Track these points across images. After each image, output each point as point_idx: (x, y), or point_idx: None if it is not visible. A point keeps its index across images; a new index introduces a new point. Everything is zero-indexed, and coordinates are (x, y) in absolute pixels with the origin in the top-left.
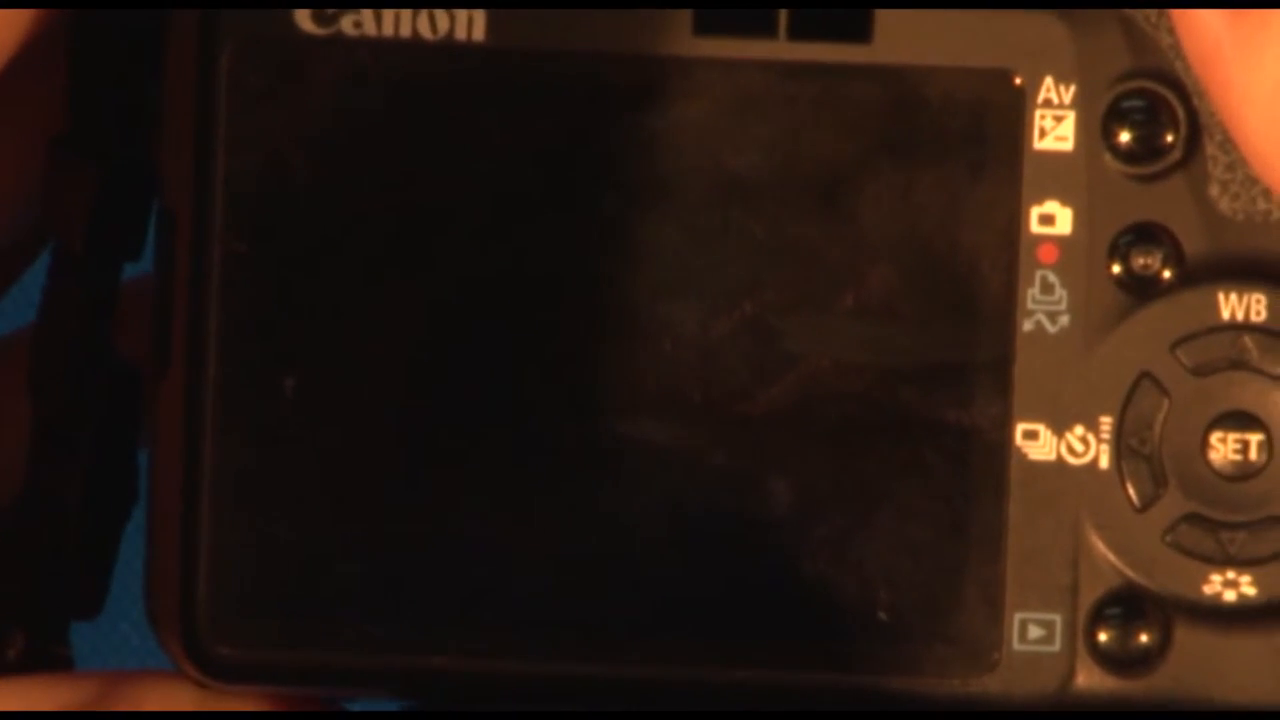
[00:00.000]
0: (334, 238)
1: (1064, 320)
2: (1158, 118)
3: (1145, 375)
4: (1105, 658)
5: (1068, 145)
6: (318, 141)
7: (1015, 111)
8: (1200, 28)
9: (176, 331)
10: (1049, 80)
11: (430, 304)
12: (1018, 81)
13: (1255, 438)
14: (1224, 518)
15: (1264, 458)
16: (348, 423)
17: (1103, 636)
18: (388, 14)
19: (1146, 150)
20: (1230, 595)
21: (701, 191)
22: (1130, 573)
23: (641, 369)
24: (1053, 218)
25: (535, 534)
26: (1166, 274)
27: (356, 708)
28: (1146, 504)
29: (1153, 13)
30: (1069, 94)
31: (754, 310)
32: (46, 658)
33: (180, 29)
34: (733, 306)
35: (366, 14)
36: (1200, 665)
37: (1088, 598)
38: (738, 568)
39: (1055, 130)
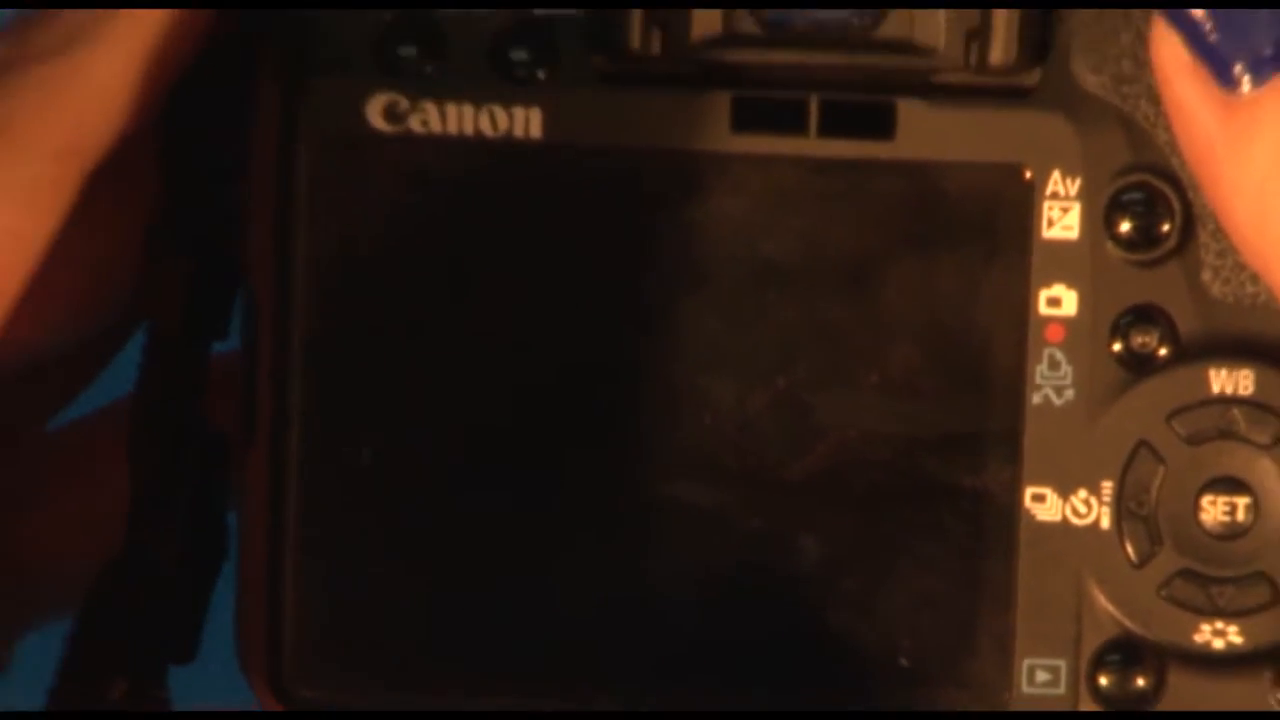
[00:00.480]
0: (403, 320)
1: (1069, 394)
2: (1155, 209)
3: (1143, 444)
4: (1105, 699)
5: (1073, 234)
6: (388, 230)
7: (1026, 203)
8: (1194, 125)
9: (261, 405)
10: (1056, 174)
11: (490, 379)
12: (1028, 175)
13: (1243, 500)
14: (1214, 573)
15: (1250, 519)
16: (416, 489)
17: (1103, 680)
18: (451, 112)
19: (1145, 238)
20: (1219, 643)
21: (739, 277)
22: (1128, 623)
23: (684, 439)
24: (1059, 300)
25: (586, 589)
26: (1163, 351)
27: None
28: (1143, 561)
29: (1151, 110)
30: (1075, 187)
31: (787, 386)
32: (146, 699)
33: (263, 126)
34: (768, 383)
35: (432, 112)
36: (1192, 706)
37: (1090, 645)
38: (771, 618)
39: (1062, 220)
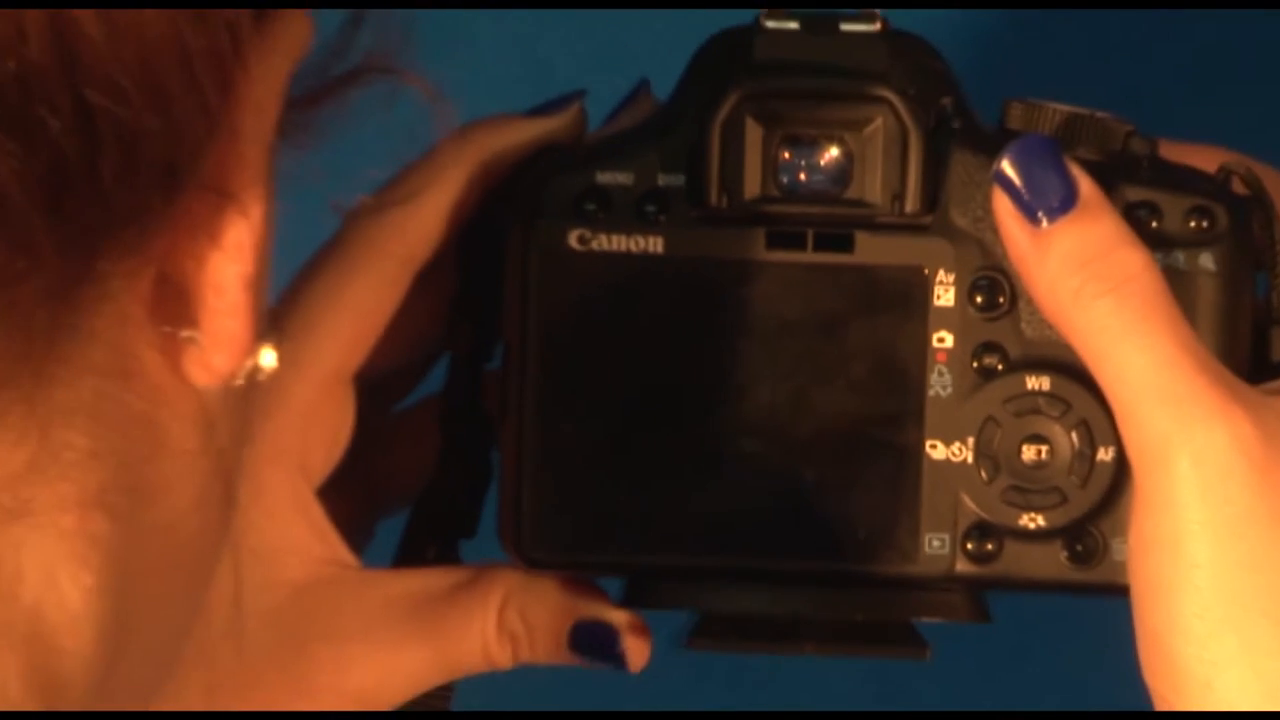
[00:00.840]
0: (588, 352)
1: (949, 390)
2: (995, 289)
3: (990, 418)
4: (969, 557)
5: (951, 303)
6: (579, 304)
7: (924, 287)
8: (1016, 245)
9: (509, 398)
10: (941, 272)
11: (644, 378)
12: (925, 272)
13: (1045, 447)
14: (1029, 487)
15: (1048, 457)
16: (607, 432)
17: (968, 546)
18: (614, 239)
19: (990, 305)
20: (1031, 525)
21: (771, 327)
22: (983, 514)
23: (751, 416)
24: (944, 339)
25: (709, 486)
26: (1000, 367)
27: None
28: (990, 480)
29: (992, 235)
30: (951, 278)
31: (796, 387)
32: (448, 559)
33: (512, 245)
34: (787, 384)
35: (603, 239)
36: (1017, 560)
37: (961, 526)
38: (793, 508)
39: (944, 295)
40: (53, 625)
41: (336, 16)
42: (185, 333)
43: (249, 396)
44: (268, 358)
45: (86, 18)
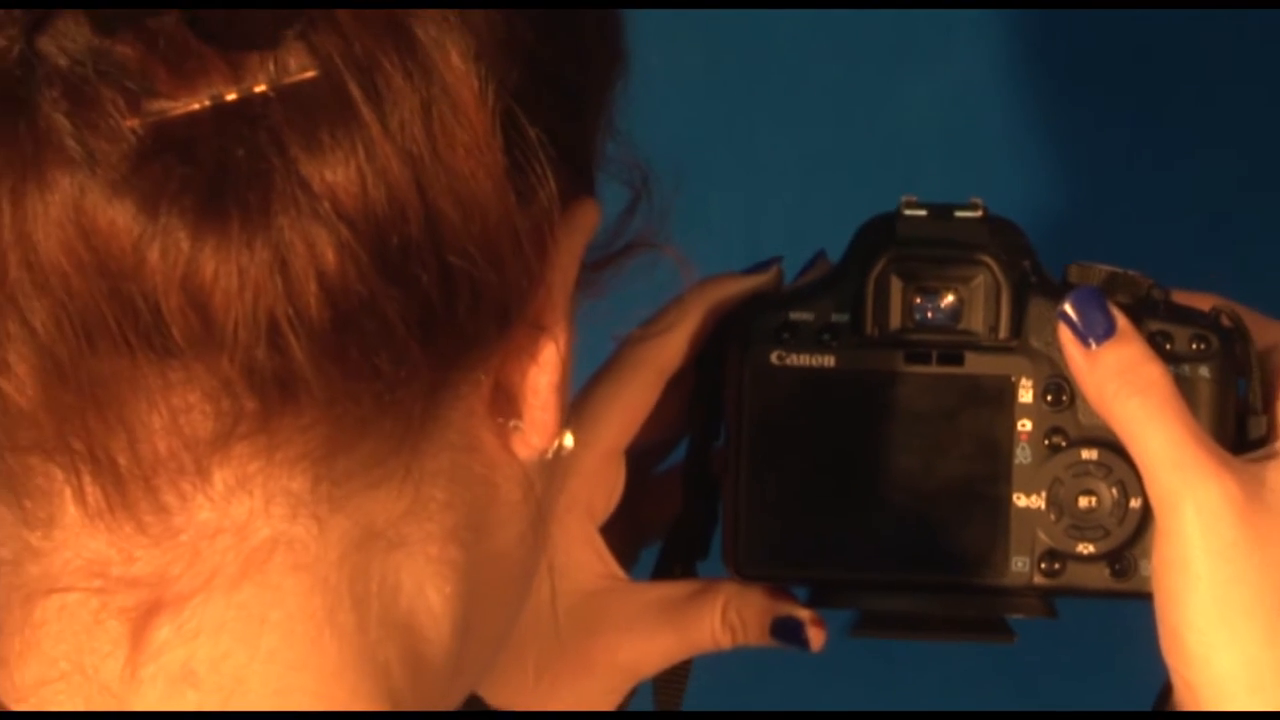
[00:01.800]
0: (786, 427)
1: (1029, 459)
2: (1061, 392)
3: (1056, 478)
4: (1043, 573)
5: (1030, 400)
6: (780, 409)
7: (1011, 390)
8: (1075, 361)
9: (730, 466)
10: (1023, 379)
11: (832, 464)
12: (1012, 379)
13: (1093, 498)
14: (1083, 525)
15: (1097, 506)
16: (804, 491)
17: (1042, 565)
18: (802, 357)
19: (1057, 401)
20: (1085, 551)
21: (911, 417)
22: (1052, 544)
23: (898, 480)
24: (1025, 425)
25: (881, 525)
26: (1063, 444)
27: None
28: (1057, 521)
29: (1059, 354)
30: (1030, 383)
31: (932, 453)
32: (688, 574)
33: (731, 363)
34: (921, 455)
35: (794, 358)
36: (1076, 575)
37: (1037, 552)
38: (931, 539)
39: (1025, 395)
40: (421, 622)
41: (619, 205)
42: (513, 423)
43: (556, 466)
44: (569, 440)
45: (448, 205)
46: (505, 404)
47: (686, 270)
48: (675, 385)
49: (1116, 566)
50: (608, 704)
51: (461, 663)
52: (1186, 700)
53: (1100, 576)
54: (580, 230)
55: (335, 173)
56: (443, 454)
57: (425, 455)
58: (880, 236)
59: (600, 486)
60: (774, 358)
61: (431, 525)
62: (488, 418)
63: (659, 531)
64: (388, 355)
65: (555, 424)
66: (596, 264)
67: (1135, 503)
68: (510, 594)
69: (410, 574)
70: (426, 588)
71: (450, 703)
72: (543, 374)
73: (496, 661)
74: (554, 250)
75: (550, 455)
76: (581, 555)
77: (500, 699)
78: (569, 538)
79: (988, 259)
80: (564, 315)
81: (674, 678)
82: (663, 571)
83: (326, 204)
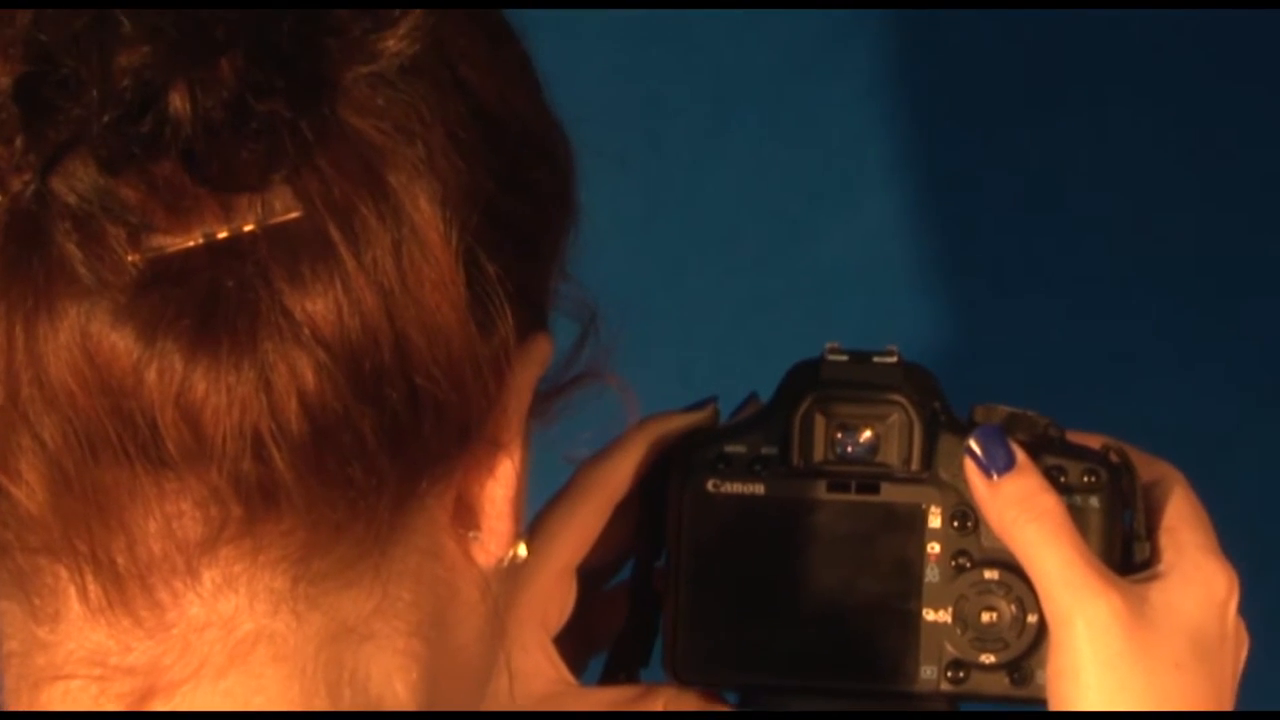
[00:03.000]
0: (720, 549)
1: (938, 578)
2: (967, 516)
3: (962, 595)
4: (949, 680)
5: (939, 525)
6: (715, 532)
7: (923, 516)
8: (979, 491)
9: (669, 584)
10: (933, 506)
11: (760, 583)
12: (923, 507)
13: (995, 614)
14: (986, 638)
15: (998, 620)
16: (736, 607)
17: (949, 673)
18: (734, 486)
19: (963, 527)
20: (987, 661)
21: (831, 539)
22: (958, 654)
23: (819, 597)
24: (934, 547)
25: (806, 631)
26: (968, 565)
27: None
28: (962, 634)
29: (965, 486)
30: (939, 510)
31: (846, 575)
32: (631, 680)
33: (672, 493)
34: (841, 573)
35: (728, 486)
36: (979, 683)
37: (944, 661)
38: (845, 638)
39: (934, 520)
40: (387, 708)
41: (569, 339)
42: (472, 533)
43: (512, 572)
44: (522, 549)
45: (416, 333)
46: (466, 514)
47: (629, 398)
48: (623, 510)
49: (1015, 675)
50: None
51: None
52: None
53: (1000, 684)
54: (535, 361)
55: (315, 303)
56: (409, 557)
57: (393, 558)
58: (806, 378)
59: (554, 600)
60: (710, 485)
61: (398, 621)
62: (450, 526)
63: (606, 641)
64: (360, 466)
65: (510, 534)
66: (549, 392)
67: (1032, 618)
68: (469, 684)
69: (379, 665)
70: (394, 677)
71: None
72: (499, 487)
73: None
74: (511, 376)
75: (506, 563)
76: (536, 662)
77: None
78: (525, 646)
79: (902, 399)
80: (519, 435)
81: None
82: (609, 677)
83: (307, 331)
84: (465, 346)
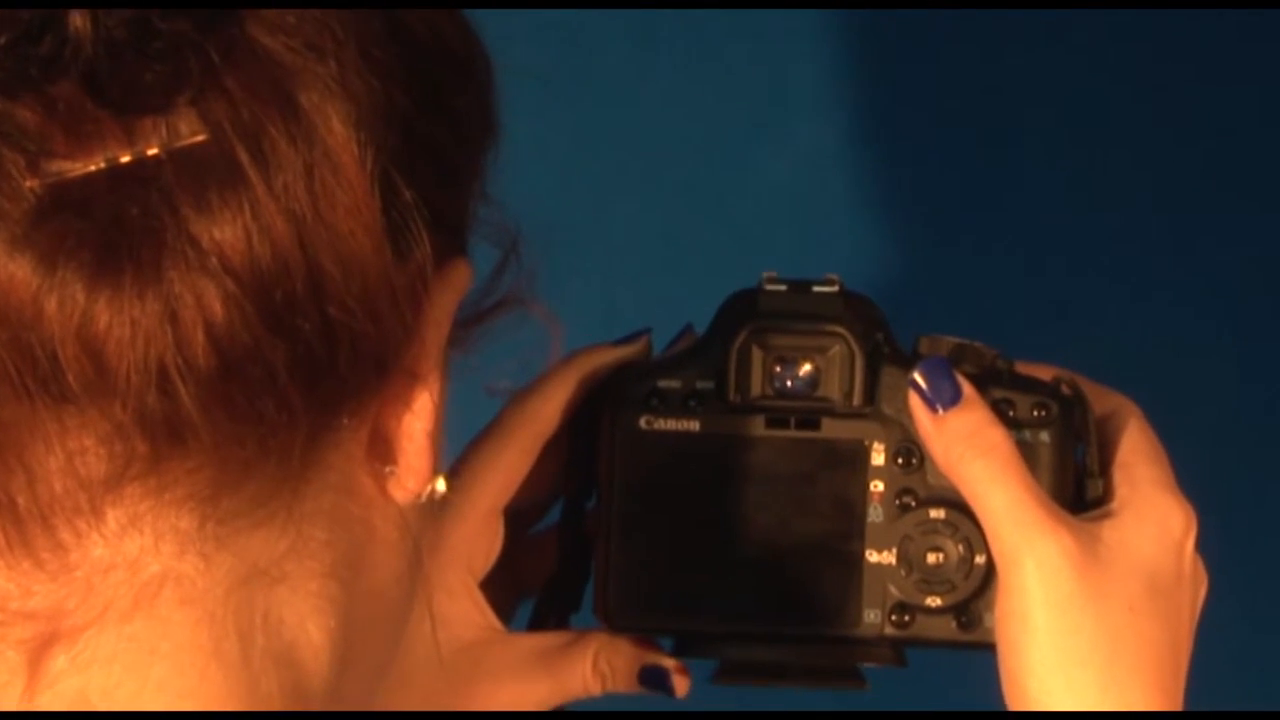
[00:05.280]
0: (649, 482)
1: (881, 518)
2: (911, 453)
3: (906, 535)
4: (894, 625)
5: (882, 462)
6: (647, 471)
7: (865, 453)
8: (924, 426)
9: (601, 525)
10: (876, 443)
11: (695, 524)
12: (866, 443)
13: (941, 554)
14: (932, 579)
15: (944, 561)
16: (670, 549)
17: (893, 617)
18: (668, 422)
19: (907, 464)
20: (933, 604)
21: (770, 475)
22: (902, 597)
23: (757, 538)
24: (878, 485)
25: (742, 568)
26: (913, 503)
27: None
28: (907, 575)
29: (907, 419)
30: (882, 447)
31: (784, 515)
32: (561, 626)
33: (604, 428)
34: (780, 513)
35: (660, 423)
36: (924, 627)
37: (888, 604)
38: (787, 579)
39: (878, 458)
40: (302, 655)
41: (489, 264)
42: (388, 467)
43: (433, 511)
44: (441, 485)
45: (329, 261)
46: (382, 449)
47: (554, 328)
48: (551, 449)
49: (962, 619)
50: None
51: (340, 694)
52: None
53: (947, 628)
54: (453, 288)
55: (223, 231)
56: (323, 495)
57: (306, 497)
58: (742, 310)
59: (480, 544)
60: (642, 422)
61: (312, 563)
62: (365, 462)
63: (535, 586)
64: (271, 401)
65: (429, 469)
66: (469, 320)
67: (980, 559)
68: (387, 629)
69: (292, 609)
70: (307, 622)
71: None
72: (417, 420)
73: (377, 697)
74: (428, 305)
75: (425, 500)
76: (462, 608)
77: None
78: (450, 591)
79: (843, 331)
80: (437, 366)
81: None
82: (538, 623)
83: (214, 260)
84: (380, 274)
